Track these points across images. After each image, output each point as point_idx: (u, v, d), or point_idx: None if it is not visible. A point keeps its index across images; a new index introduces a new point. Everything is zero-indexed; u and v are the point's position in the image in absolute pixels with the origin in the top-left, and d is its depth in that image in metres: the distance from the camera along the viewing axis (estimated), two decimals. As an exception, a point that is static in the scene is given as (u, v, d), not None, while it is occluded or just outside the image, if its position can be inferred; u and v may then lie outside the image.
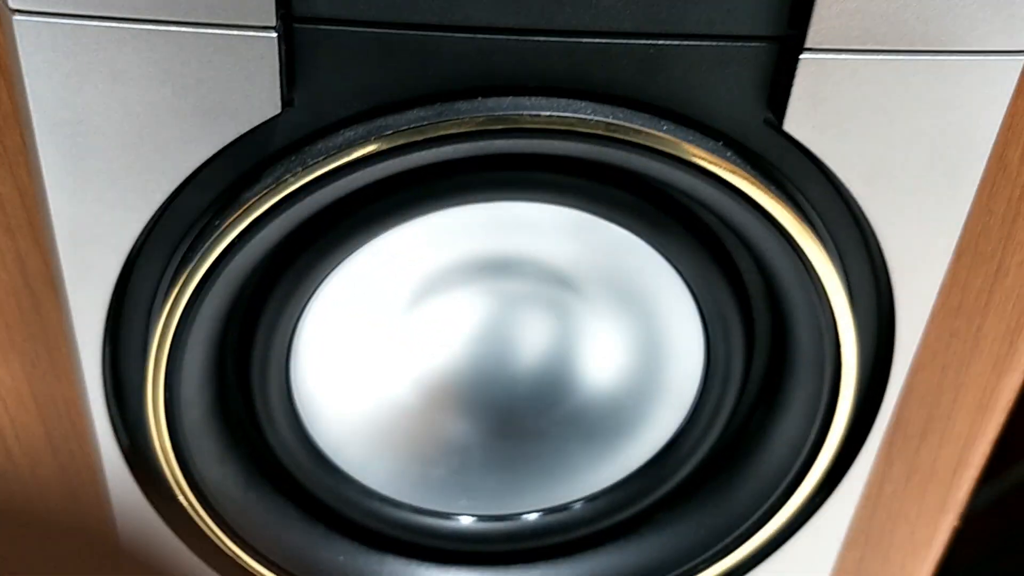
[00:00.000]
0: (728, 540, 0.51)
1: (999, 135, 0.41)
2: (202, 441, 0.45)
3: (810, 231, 0.40)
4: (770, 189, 0.39)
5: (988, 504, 1.26)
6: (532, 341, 0.48)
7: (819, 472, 0.48)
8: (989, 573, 1.34)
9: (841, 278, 0.42)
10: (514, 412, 0.50)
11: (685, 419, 0.49)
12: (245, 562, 0.48)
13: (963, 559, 1.30)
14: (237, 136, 0.37)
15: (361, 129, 0.36)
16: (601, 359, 0.49)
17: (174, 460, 0.44)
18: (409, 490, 0.51)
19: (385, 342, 0.47)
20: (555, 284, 0.46)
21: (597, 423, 0.50)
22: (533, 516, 0.52)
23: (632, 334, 0.48)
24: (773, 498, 0.49)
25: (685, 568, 0.52)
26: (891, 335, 0.46)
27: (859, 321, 0.45)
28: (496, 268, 0.46)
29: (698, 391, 0.48)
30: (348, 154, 0.36)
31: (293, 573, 0.49)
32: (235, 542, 0.48)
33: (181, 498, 0.46)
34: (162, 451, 0.44)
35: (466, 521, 0.52)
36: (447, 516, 0.52)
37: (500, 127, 0.36)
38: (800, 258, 0.40)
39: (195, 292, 0.39)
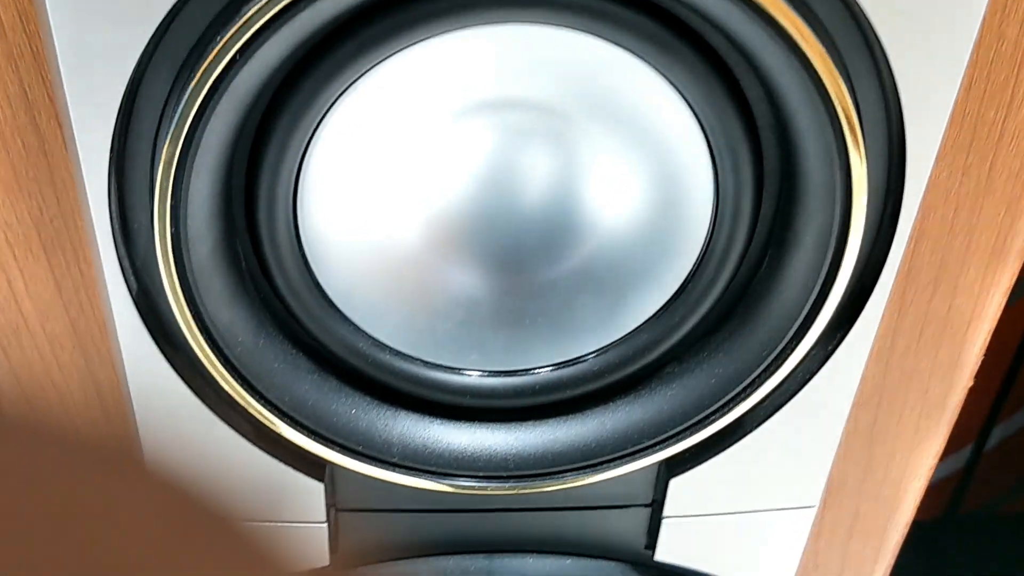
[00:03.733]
0: (738, 388, 0.50)
1: (1012, -50, 0.41)
2: (211, 281, 0.45)
3: (819, 44, 0.39)
4: (779, -1, 0.38)
5: (1001, 442, 1.26)
6: (540, 186, 0.48)
7: (829, 314, 0.47)
8: (1003, 511, 1.34)
9: (851, 97, 0.41)
10: (524, 263, 0.50)
11: (695, 263, 0.49)
12: (256, 411, 0.48)
13: (977, 497, 1.30)
14: (236, -59, 0.36)
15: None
16: (610, 202, 0.48)
17: (183, 299, 0.44)
18: (419, 343, 0.51)
19: (390, 184, 0.46)
20: (562, 121, 0.46)
21: (607, 273, 0.50)
22: (544, 370, 0.52)
23: (641, 173, 0.47)
24: (783, 343, 0.49)
25: (694, 420, 0.52)
26: (902, 166, 0.45)
27: (869, 149, 0.45)
28: (503, 106, 0.45)
29: (708, 233, 0.48)
30: (346, -40, 0.36)
31: (305, 424, 0.50)
32: (246, 389, 0.48)
33: (191, 341, 0.46)
34: (171, 290, 0.44)
35: (477, 376, 0.52)
36: (458, 371, 0.52)
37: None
38: (808, 73, 0.40)
39: (199, 112, 0.39)
